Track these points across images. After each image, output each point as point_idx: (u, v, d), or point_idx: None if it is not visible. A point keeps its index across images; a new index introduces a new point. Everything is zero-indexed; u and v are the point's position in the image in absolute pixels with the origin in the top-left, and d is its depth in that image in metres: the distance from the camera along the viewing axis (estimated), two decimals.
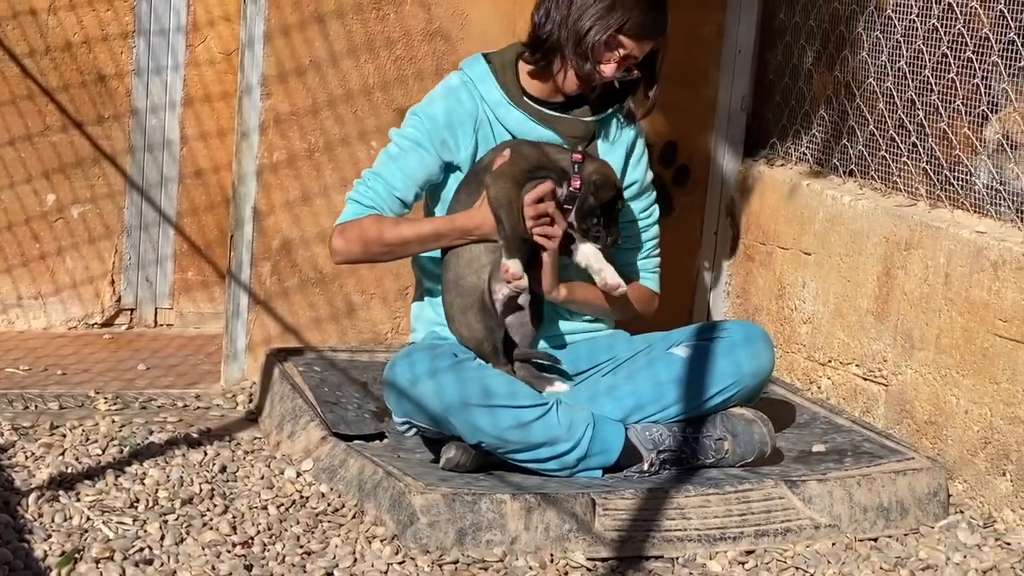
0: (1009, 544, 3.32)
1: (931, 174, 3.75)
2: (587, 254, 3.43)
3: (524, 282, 3.37)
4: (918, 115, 3.78)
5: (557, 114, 3.49)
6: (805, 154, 4.23)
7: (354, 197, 3.51)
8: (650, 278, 3.68)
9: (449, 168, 3.51)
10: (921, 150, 3.78)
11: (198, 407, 3.91)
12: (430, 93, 3.53)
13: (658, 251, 3.69)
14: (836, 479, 3.35)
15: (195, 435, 3.65)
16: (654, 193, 3.67)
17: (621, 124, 3.56)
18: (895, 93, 3.85)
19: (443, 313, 3.49)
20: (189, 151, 4.56)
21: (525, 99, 3.48)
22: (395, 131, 3.53)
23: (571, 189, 3.39)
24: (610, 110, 3.53)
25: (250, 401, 3.96)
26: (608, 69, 3.42)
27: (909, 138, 3.82)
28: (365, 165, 4.09)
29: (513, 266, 3.36)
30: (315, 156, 4.05)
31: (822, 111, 4.16)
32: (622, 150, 3.57)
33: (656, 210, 3.67)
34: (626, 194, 3.54)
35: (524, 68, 3.50)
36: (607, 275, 3.44)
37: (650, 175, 3.65)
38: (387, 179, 3.48)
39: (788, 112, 4.29)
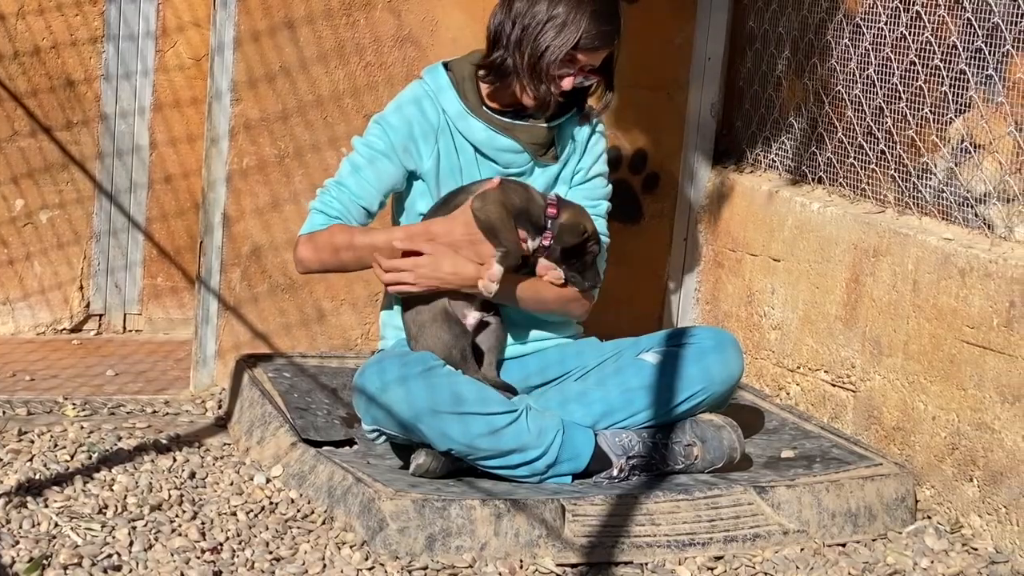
0: (976, 549, 3.34)
1: (899, 181, 3.77)
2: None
3: (490, 292, 3.37)
4: (886, 122, 3.80)
5: (517, 122, 3.49)
6: (775, 161, 4.25)
7: (318, 207, 3.50)
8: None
9: (412, 176, 3.52)
10: (889, 157, 3.80)
11: (167, 413, 3.90)
12: (392, 101, 3.53)
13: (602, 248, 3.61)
14: (805, 485, 3.36)
15: (164, 441, 3.64)
16: (606, 188, 3.62)
17: (580, 125, 3.57)
18: (864, 101, 3.88)
19: None
20: (158, 156, 4.55)
21: (485, 109, 3.48)
22: (358, 139, 3.53)
23: (542, 244, 3.41)
24: (569, 114, 3.54)
25: (219, 407, 3.95)
26: (566, 83, 3.43)
27: (877, 145, 3.84)
28: (335, 171, 4.10)
29: (491, 273, 3.34)
30: (285, 162, 4.04)
31: (791, 119, 4.18)
32: (582, 147, 3.58)
33: (603, 206, 3.60)
34: (575, 179, 3.56)
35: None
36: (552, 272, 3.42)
37: (604, 168, 3.61)
38: (351, 188, 3.48)
39: (758, 120, 4.31)
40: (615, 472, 3.36)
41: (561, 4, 3.38)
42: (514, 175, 3.52)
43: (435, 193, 3.50)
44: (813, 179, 4.08)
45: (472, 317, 3.45)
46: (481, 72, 3.47)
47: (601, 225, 3.60)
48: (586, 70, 3.44)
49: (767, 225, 4.12)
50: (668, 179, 4.40)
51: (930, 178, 3.67)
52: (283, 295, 4.09)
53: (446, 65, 3.54)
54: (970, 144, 3.54)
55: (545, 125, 3.51)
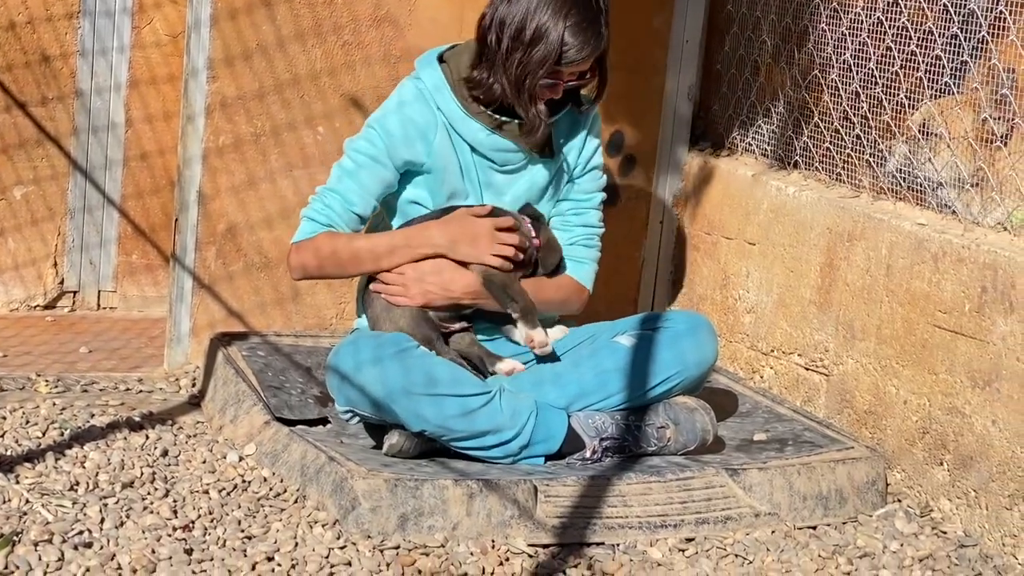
0: (945, 533, 3.36)
1: (874, 166, 3.79)
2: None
3: (549, 347, 3.45)
4: (862, 107, 3.81)
5: (514, 120, 3.46)
6: (751, 145, 4.25)
7: (309, 215, 3.49)
8: (578, 268, 3.61)
9: (408, 173, 3.50)
10: (865, 142, 3.81)
11: (140, 391, 3.89)
12: (386, 103, 3.49)
13: (593, 242, 3.62)
14: (776, 468, 3.38)
15: (137, 419, 3.64)
16: (601, 179, 3.65)
17: (575, 117, 3.56)
18: (840, 85, 3.88)
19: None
20: (134, 133, 4.53)
21: (480, 107, 3.46)
22: (350, 144, 3.50)
23: (535, 242, 3.47)
24: (565, 109, 3.52)
25: (193, 385, 3.95)
26: (557, 94, 3.41)
27: (853, 130, 3.85)
28: (312, 151, 4.08)
29: (538, 336, 3.42)
30: (261, 140, 4.04)
31: (768, 103, 4.18)
32: (578, 141, 3.58)
33: (598, 198, 3.64)
34: (574, 173, 3.57)
35: None
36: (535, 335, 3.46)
37: (600, 160, 3.63)
38: (343, 195, 3.46)
39: (735, 103, 4.31)
40: (588, 454, 3.37)
41: (538, 17, 3.31)
42: (511, 171, 3.52)
43: (435, 187, 3.49)
44: (789, 163, 4.09)
45: (455, 327, 3.49)
46: (470, 85, 3.43)
47: (595, 217, 3.62)
48: (576, 77, 3.42)
49: (743, 209, 4.13)
50: (645, 162, 4.41)
51: (905, 163, 3.68)
52: (258, 274, 4.09)
53: (440, 58, 3.50)
54: (944, 130, 3.55)
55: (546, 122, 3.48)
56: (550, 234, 3.55)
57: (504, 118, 3.45)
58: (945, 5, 3.55)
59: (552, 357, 3.50)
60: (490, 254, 3.42)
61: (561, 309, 3.60)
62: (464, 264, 3.43)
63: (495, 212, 3.48)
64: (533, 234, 3.49)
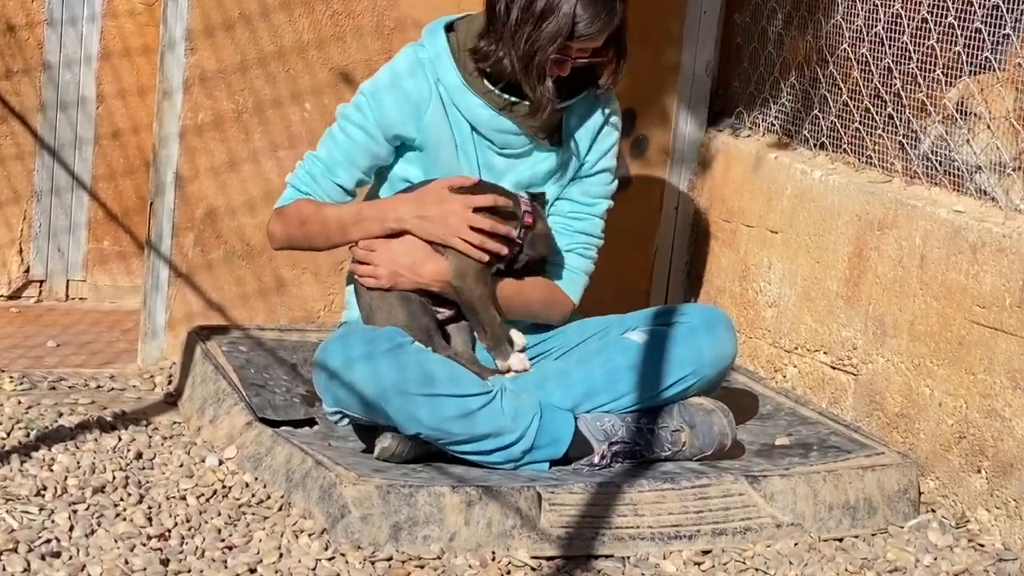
0: (983, 546, 3.36)
1: (907, 148, 3.78)
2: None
3: (527, 365, 3.45)
4: (895, 84, 3.81)
5: (521, 101, 3.44)
6: (773, 124, 4.25)
7: (292, 182, 3.52)
8: (568, 279, 3.58)
9: (402, 148, 3.50)
10: (898, 122, 3.81)
11: (112, 388, 3.90)
12: (385, 70, 3.49)
13: (590, 253, 3.59)
14: (800, 474, 3.38)
15: (109, 419, 3.64)
16: (610, 186, 3.61)
17: (592, 105, 3.55)
18: (871, 60, 3.88)
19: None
20: (106, 109, 4.53)
21: (486, 83, 3.45)
22: (343, 110, 3.51)
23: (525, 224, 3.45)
24: (580, 95, 3.50)
25: (169, 383, 3.95)
26: (564, 70, 3.40)
27: (885, 109, 3.84)
28: (298, 129, 4.08)
29: (516, 363, 3.42)
30: (243, 118, 4.03)
31: (792, 78, 4.18)
32: (591, 132, 3.56)
33: (603, 206, 3.60)
34: (581, 171, 3.56)
35: None
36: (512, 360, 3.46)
37: (611, 163, 3.59)
38: (328, 164, 3.48)
39: (756, 79, 4.31)
40: (596, 458, 3.37)
41: None
42: (512, 156, 3.51)
43: (429, 165, 3.48)
44: (815, 145, 4.09)
45: (442, 313, 3.48)
46: (476, 57, 3.43)
47: (596, 227, 3.59)
48: (588, 54, 3.41)
49: (765, 194, 4.13)
50: (658, 143, 4.41)
51: (941, 145, 3.68)
52: (240, 262, 4.09)
53: (449, 26, 3.50)
54: (983, 109, 3.55)
55: (556, 107, 3.44)
56: (546, 223, 3.51)
57: (512, 98, 3.43)
58: None
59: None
60: (456, 237, 3.41)
61: (540, 318, 3.58)
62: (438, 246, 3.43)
63: (482, 187, 3.44)
64: (525, 208, 3.44)
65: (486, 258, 3.42)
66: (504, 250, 3.42)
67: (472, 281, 3.42)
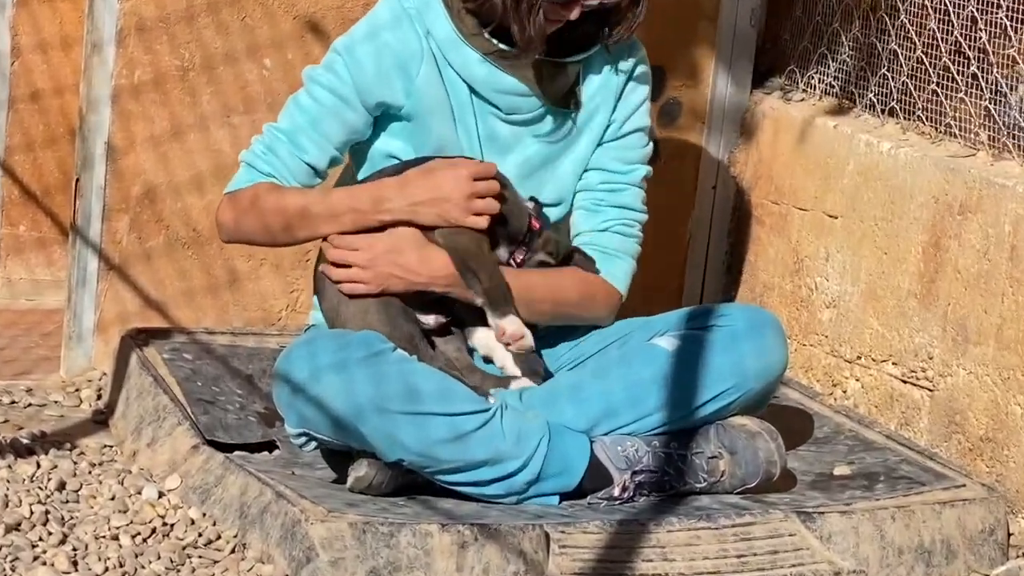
0: None
1: (995, 115, 3.78)
2: (485, 342, 3.48)
3: (529, 340, 3.41)
4: (980, 37, 3.81)
5: (512, 48, 3.45)
6: (832, 86, 4.25)
7: (249, 160, 3.50)
8: (609, 264, 3.59)
9: (383, 118, 3.49)
10: (983, 83, 3.81)
11: (30, 404, 3.90)
12: (361, 24, 3.49)
13: (633, 231, 3.60)
14: (864, 511, 3.38)
15: (25, 440, 3.64)
16: (645, 148, 3.63)
17: (612, 57, 3.54)
18: (951, 8, 3.88)
19: None
20: (23, 66, 4.53)
21: (485, 35, 3.45)
22: (311, 73, 3.49)
23: (514, 260, 3.47)
24: (597, 46, 3.50)
25: (98, 397, 3.95)
26: (571, 11, 3.41)
27: (968, 67, 3.85)
28: (255, 90, 4.08)
29: (511, 325, 3.38)
30: (190, 77, 4.04)
31: (855, 30, 4.18)
32: (614, 89, 3.56)
33: (640, 172, 3.61)
34: (606, 134, 3.56)
35: None
36: (508, 367, 3.46)
37: (644, 121, 3.61)
38: (296, 140, 3.47)
39: (812, 31, 4.32)
40: (616, 491, 3.38)
41: None
42: (519, 124, 3.51)
43: (419, 137, 3.48)
44: (883, 110, 4.09)
45: (429, 320, 3.48)
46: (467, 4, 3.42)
47: (635, 197, 3.60)
48: None
49: (821, 170, 4.13)
50: (693, 107, 4.41)
51: None
52: (185, 251, 4.09)
53: None
54: None
55: (563, 62, 3.47)
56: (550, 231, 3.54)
57: (502, 44, 3.43)
58: None
59: (533, 369, 3.48)
60: (468, 215, 3.40)
61: (580, 318, 3.59)
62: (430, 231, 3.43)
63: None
64: (529, 209, 3.48)
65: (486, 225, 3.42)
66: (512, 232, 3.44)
67: (463, 237, 3.41)
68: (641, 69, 3.59)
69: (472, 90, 3.48)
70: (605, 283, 3.57)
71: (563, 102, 3.53)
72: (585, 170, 3.58)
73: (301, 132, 3.47)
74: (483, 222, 3.41)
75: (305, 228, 3.48)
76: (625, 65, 3.57)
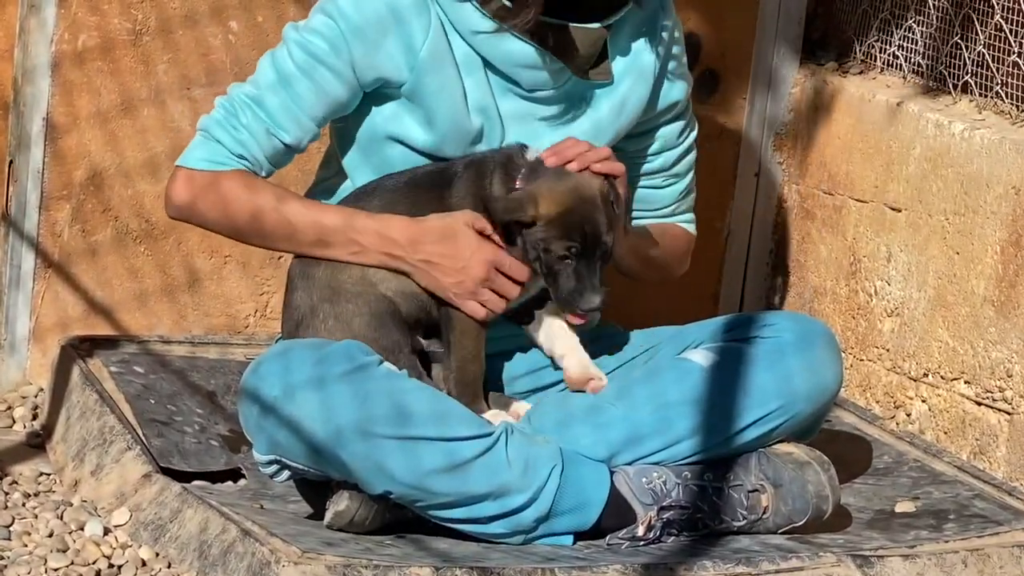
0: None
1: None
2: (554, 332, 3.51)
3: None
4: None
5: (547, 20, 3.45)
6: (896, 57, 4.26)
7: (210, 128, 3.48)
8: (686, 221, 3.76)
9: (374, 96, 3.49)
10: None
11: None
12: None
13: (692, 196, 3.75)
14: (931, 554, 3.38)
15: None
16: (690, 134, 3.69)
17: (644, 21, 3.55)
18: None
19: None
20: None
21: None
22: (292, 31, 3.48)
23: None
24: (626, 8, 3.50)
25: (34, 417, 3.96)
26: None
27: None
28: (219, 58, 4.09)
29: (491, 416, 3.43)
30: (144, 41, 4.04)
31: None
32: (650, 68, 3.57)
33: (691, 157, 3.70)
34: (647, 115, 3.59)
35: None
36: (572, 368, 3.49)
37: (681, 95, 3.65)
38: (269, 110, 3.45)
39: None
40: (641, 530, 3.38)
41: None
42: (541, 100, 3.51)
43: (430, 119, 3.48)
44: (955, 86, 4.09)
45: (432, 346, 3.51)
46: None
47: (692, 180, 3.72)
48: None
49: (883, 156, 4.13)
50: (733, 81, 4.42)
51: None
52: (136, 246, 4.09)
53: None
54: None
55: (588, 28, 3.46)
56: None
57: (507, 1, 3.43)
58: None
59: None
60: (470, 301, 3.41)
61: (665, 272, 3.74)
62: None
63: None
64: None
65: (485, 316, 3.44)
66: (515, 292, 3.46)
67: (471, 340, 3.45)
68: (677, 33, 3.62)
69: (487, 63, 3.47)
70: (676, 224, 3.72)
71: (595, 70, 3.53)
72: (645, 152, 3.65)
73: (278, 101, 3.45)
74: (481, 314, 3.42)
75: (285, 242, 3.48)
76: (658, 28, 3.57)
